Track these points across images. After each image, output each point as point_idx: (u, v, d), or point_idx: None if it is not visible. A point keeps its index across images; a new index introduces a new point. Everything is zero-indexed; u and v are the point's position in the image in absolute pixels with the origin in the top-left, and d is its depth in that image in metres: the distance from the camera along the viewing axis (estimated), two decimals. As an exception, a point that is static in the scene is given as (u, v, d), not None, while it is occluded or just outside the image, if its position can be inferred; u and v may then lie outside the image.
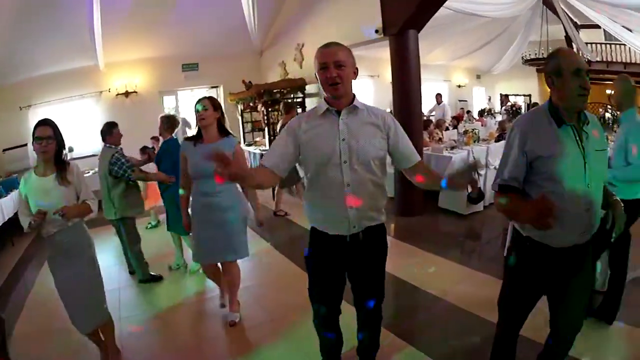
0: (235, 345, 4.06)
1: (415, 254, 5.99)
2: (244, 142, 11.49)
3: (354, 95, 2.56)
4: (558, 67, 2.28)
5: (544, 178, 2.30)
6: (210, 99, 4.08)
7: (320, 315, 2.95)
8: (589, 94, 2.25)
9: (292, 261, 5.85)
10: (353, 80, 2.53)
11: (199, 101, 4.00)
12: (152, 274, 5.54)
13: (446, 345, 3.82)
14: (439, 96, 14.13)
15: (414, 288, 4.94)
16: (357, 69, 2.54)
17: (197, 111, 3.95)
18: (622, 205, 2.40)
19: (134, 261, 5.48)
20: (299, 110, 10.38)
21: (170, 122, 5.58)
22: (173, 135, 5.62)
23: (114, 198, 5.24)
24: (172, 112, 5.64)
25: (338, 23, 9.17)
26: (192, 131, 4.24)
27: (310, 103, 10.44)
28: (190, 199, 4.18)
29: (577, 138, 2.28)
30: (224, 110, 4.13)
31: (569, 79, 2.23)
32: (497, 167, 2.52)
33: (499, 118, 15.32)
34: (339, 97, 2.48)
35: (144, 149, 7.13)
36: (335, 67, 2.39)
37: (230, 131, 4.12)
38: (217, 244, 4.06)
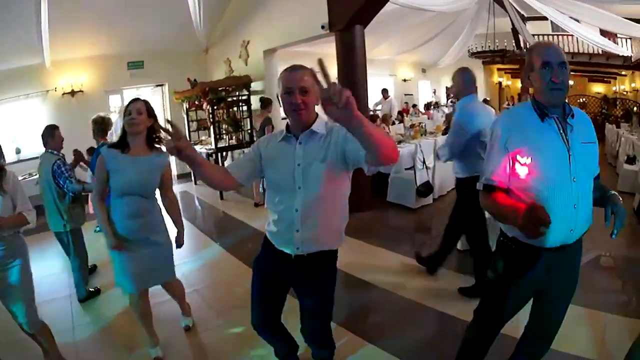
0: (190, 351, 3.97)
1: (366, 250, 5.98)
2: (190, 141, 11.14)
3: (317, 115, 2.47)
4: (530, 62, 2.25)
5: (527, 173, 2.22)
6: (146, 102, 3.51)
7: (254, 320, 2.88)
8: (565, 87, 2.19)
9: (242, 261, 5.73)
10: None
11: (132, 102, 3.45)
12: (90, 289, 5.12)
13: (403, 339, 3.83)
14: (385, 91, 14.25)
15: (367, 284, 4.94)
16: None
17: (128, 113, 3.38)
18: (621, 199, 2.26)
19: (77, 275, 5.00)
20: (244, 107, 10.35)
21: (102, 125, 5.24)
22: (108, 138, 5.30)
23: (62, 209, 4.82)
24: (104, 113, 5.20)
25: (284, 20, 9.11)
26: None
27: (255, 100, 10.29)
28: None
29: (561, 130, 2.22)
30: (157, 118, 3.57)
31: (539, 72, 2.19)
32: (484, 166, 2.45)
33: (447, 111, 15.52)
34: (302, 124, 2.42)
35: (90, 150, 6.80)
36: (300, 93, 2.31)
37: (161, 145, 3.58)
38: (154, 265, 3.61)
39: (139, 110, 3.38)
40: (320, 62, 1.59)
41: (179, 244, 3.79)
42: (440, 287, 4.77)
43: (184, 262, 5.59)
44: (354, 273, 5.13)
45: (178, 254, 3.93)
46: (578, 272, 2.51)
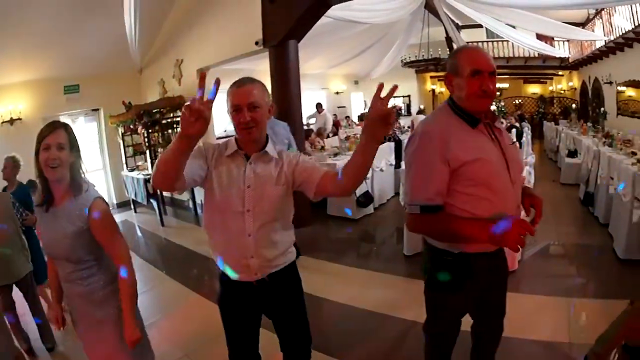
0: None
1: (313, 265, 5.93)
2: (127, 167, 10.90)
3: (267, 137, 2.35)
4: (456, 67, 2.14)
5: (471, 184, 2.07)
6: (67, 129, 2.40)
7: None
8: (493, 95, 2.10)
9: (190, 288, 5.56)
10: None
11: (49, 131, 2.33)
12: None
13: (367, 350, 3.87)
14: (319, 105, 14.37)
15: (319, 299, 4.89)
16: (272, 106, 2.34)
17: (45, 148, 2.29)
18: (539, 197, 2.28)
19: (45, 322, 4.33)
20: (179, 129, 10.09)
21: (19, 164, 4.76)
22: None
23: (26, 244, 4.24)
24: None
25: (217, 37, 9.03)
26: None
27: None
28: None
29: (493, 135, 2.17)
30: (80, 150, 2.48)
31: (467, 79, 2.08)
32: (410, 186, 2.22)
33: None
34: (253, 141, 2.28)
35: (31, 183, 6.26)
36: (249, 110, 2.16)
37: (85, 181, 2.47)
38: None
39: (61, 144, 2.31)
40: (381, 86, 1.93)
41: (128, 341, 2.35)
42: (394, 294, 4.85)
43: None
44: (305, 290, 5.05)
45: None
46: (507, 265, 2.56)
